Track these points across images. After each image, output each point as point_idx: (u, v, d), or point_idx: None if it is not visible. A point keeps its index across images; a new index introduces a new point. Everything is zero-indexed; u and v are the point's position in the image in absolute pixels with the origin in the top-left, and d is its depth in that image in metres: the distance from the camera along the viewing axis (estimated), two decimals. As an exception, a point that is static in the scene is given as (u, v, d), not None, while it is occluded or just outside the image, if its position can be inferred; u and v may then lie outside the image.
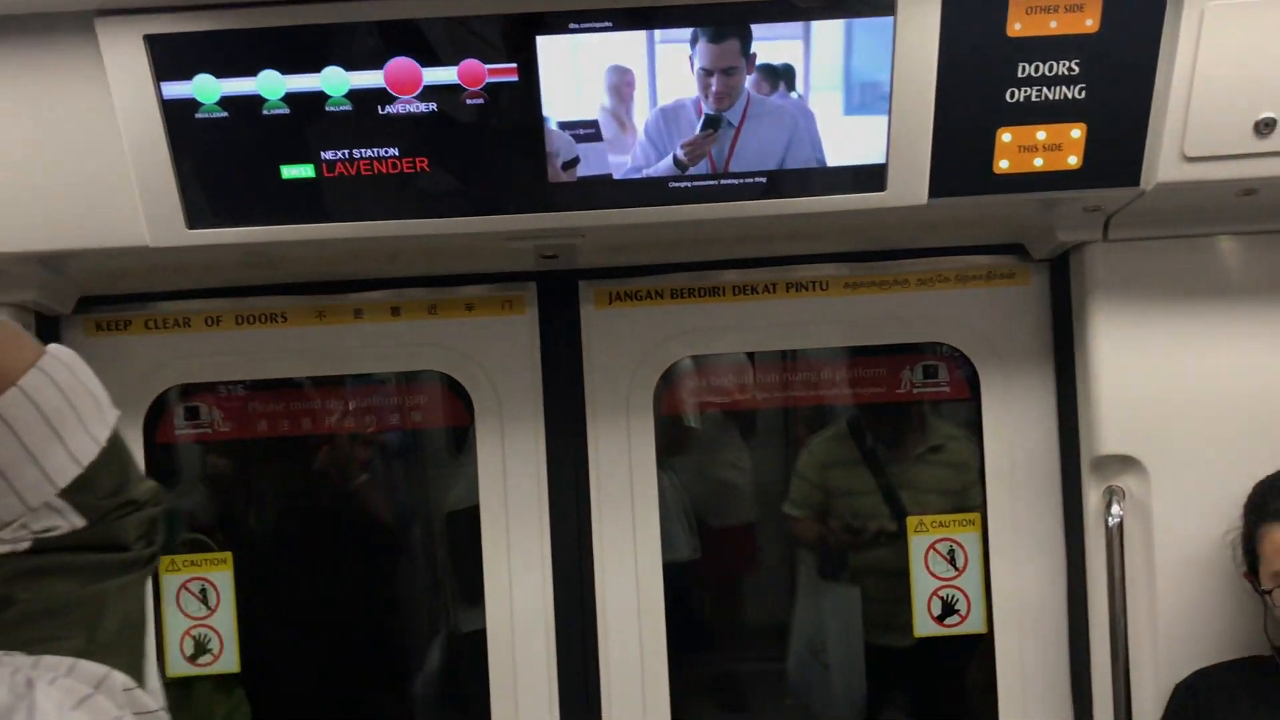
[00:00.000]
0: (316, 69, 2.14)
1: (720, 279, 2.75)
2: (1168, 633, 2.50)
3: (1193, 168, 2.23)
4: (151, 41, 2.09)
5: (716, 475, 3.38)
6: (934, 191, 2.25)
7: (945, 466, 2.96)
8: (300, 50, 2.13)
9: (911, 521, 2.82)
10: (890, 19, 2.11)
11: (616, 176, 2.23)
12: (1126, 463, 2.52)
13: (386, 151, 2.20)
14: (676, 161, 2.21)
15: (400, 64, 2.14)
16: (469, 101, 2.17)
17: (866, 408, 3.01)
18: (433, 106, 2.17)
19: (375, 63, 2.14)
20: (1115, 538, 2.48)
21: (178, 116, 2.15)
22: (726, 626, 3.53)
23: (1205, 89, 2.17)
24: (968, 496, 2.90)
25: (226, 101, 2.16)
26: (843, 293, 2.75)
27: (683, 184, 2.24)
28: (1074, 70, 2.17)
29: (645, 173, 2.22)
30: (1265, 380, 2.50)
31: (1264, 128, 2.19)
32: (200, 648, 2.75)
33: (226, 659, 2.76)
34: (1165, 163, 2.23)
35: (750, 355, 2.95)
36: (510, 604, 2.71)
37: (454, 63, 2.14)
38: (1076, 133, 2.22)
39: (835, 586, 3.19)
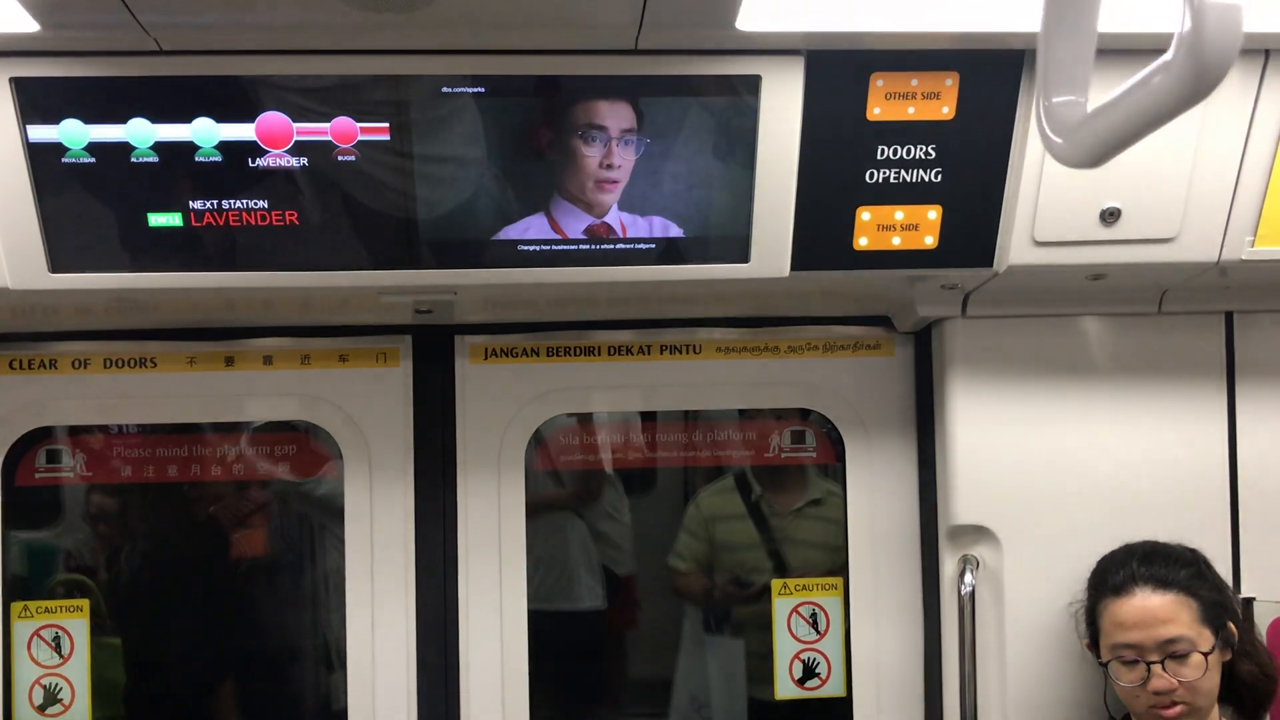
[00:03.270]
0: (187, 120, 2.14)
1: (596, 339, 2.79)
2: (1016, 699, 2.57)
3: (1043, 252, 2.34)
4: (18, 84, 2.09)
5: (611, 525, 3.41)
6: (796, 265, 2.32)
7: (825, 521, 3.03)
8: (171, 101, 2.13)
9: (775, 584, 2.87)
10: (755, 98, 2.18)
11: (491, 237, 2.26)
12: (980, 533, 2.59)
13: (256, 203, 2.20)
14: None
15: (272, 118, 2.15)
16: (341, 158, 2.19)
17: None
18: (304, 161, 2.18)
19: (247, 116, 2.15)
20: (967, 605, 2.55)
21: (43, 160, 2.14)
22: (614, 677, 3.54)
23: (1054, 178, 2.27)
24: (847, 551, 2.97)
25: (94, 147, 2.15)
26: (715, 356, 2.80)
27: (555, 248, 2.27)
28: (930, 155, 2.27)
29: (522, 235, 2.26)
30: (1114, 457, 2.60)
31: (1109, 217, 2.30)
32: (50, 697, 2.68)
33: (78, 709, 2.69)
34: (1017, 246, 2.33)
35: (629, 415, 2.99)
36: (372, 656, 2.69)
37: (326, 119, 2.16)
38: (933, 214, 2.31)
39: (717, 639, 3.23)
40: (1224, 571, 2.49)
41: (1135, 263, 2.36)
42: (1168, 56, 0.85)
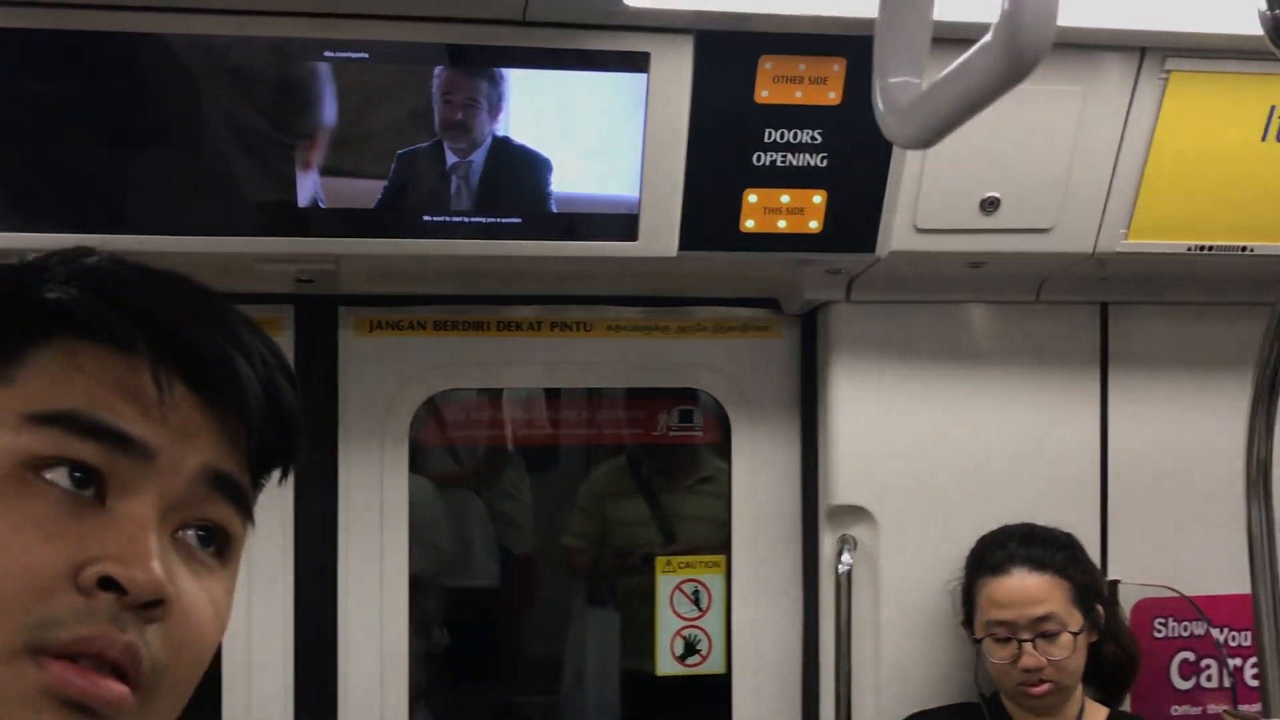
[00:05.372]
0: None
1: (485, 314, 2.76)
2: (889, 675, 2.62)
3: (924, 239, 2.37)
4: None
5: (503, 504, 3.39)
6: (684, 245, 2.32)
7: (715, 497, 3.05)
8: (40, 55, 2.05)
9: (659, 562, 2.89)
10: (644, 76, 2.18)
11: (371, 207, 2.22)
12: (859, 513, 2.63)
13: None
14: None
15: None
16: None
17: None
18: (181, 124, 2.12)
19: (118, 75, 2.08)
20: (844, 584, 2.59)
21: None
22: (509, 656, 3.52)
23: (936, 166, 2.31)
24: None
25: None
26: (606, 335, 2.79)
27: (437, 218, 2.24)
28: (816, 139, 2.28)
29: (398, 205, 2.22)
30: (990, 441, 2.66)
31: (988, 206, 2.35)
32: None
33: None
34: (899, 232, 2.36)
35: (520, 392, 2.97)
36: (249, 634, 2.64)
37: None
38: (818, 198, 2.33)
39: (606, 616, 3.24)
40: (1093, 554, 2.57)
41: (1013, 252, 2.42)
42: (988, 38, 0.87)
